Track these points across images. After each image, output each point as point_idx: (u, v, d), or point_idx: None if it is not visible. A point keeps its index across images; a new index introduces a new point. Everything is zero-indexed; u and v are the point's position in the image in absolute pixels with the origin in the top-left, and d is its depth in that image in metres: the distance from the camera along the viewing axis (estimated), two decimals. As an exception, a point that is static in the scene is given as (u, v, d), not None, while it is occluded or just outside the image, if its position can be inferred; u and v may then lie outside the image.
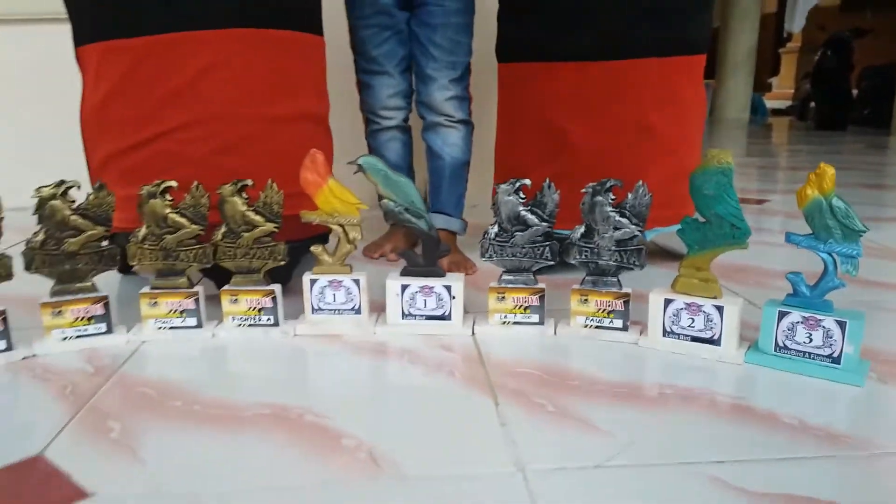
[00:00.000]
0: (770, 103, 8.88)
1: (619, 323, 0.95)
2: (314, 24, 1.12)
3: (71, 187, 0.87)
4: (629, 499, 0.60)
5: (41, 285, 0.90)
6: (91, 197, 0.88)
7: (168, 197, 0.91)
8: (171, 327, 0.95)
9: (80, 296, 0.90)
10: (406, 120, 1.38)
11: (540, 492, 0.60)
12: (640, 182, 0.92)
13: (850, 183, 2.47)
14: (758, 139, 4.68)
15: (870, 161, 3.18)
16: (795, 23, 5.69)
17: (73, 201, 0.87)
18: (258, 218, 0.94)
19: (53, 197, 0.86)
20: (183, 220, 0.91)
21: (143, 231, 0.91)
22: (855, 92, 5.72)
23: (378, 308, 1.02)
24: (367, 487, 0.62)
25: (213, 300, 0.99)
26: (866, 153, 3.57)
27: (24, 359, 0.88)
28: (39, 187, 0.86)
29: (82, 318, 0.91)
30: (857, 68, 5.67)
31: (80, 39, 1.03)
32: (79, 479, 0.62)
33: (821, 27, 6.58)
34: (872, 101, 5.39)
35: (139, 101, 0.98)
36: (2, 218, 0.84)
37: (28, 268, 0.88)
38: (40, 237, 0.87)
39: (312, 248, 0.98)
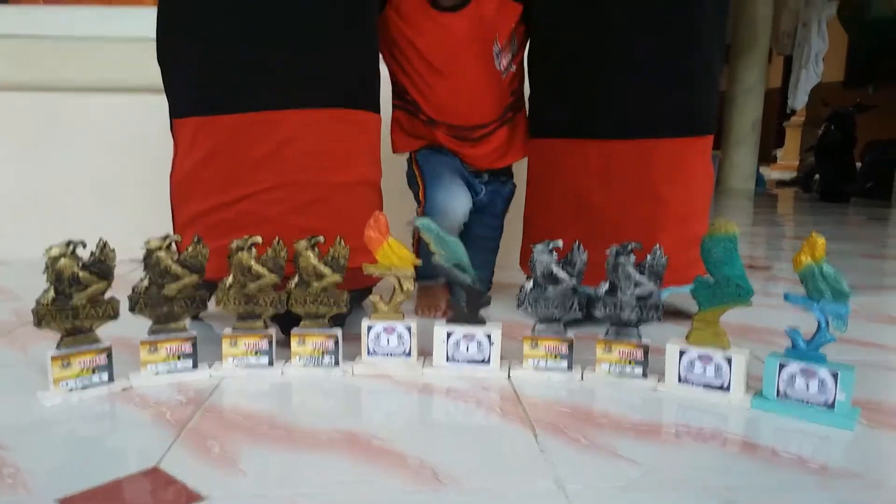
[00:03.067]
0: (775, 174, 9.13)
1: (639, 370, 1.08)
2: (373, 104, 1.30)
3: (174, 241, 1.02)
4: (654, 511, 0.72)
5: (127, 327, 1.05)
6: (189, 249, 1.04)
7: (253, 251, 1.06)
8: (247, 365, 1.08)
9: (173, 335, 1.04)
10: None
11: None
12: (658, 245, 1.07)
13: (852, 252, 2.60)
14: (764, 209, 4.84)
15: (872, 232, 3.33)
16: (798, 100, 5.96)
17: (175, 253, 1.03)
18: (327, 270, 1.09)
19: (159, 248, 1.01)
20: (264, 271, 1.06)
21: (229, 280, 1.06)
22: (858, 165, 5.91)
23: (424, 352, 1.16)
24: (434, 496, 0.74)
25: (279, 342, 1.13)
26: (868, 225, 3.72)
27: (123, 390, 1.02)
28: (148, 240, 1.01)
29: (173, 355, 1.04)
30: (860, 142, 5.89)
31: (177, 113, 1.21)
32: (193, 485, 0.75)
33: (824, 103, 6.82)
34: (875, 174, 5.57)
35: (228, 168, 1.15)
36: (114, 266, 1.00)
37: (132, 309, 1.02)
38: (145, 283, 1.02)
39: (371, 298, 1.13)
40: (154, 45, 1.23)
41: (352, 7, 1.20)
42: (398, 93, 1.50)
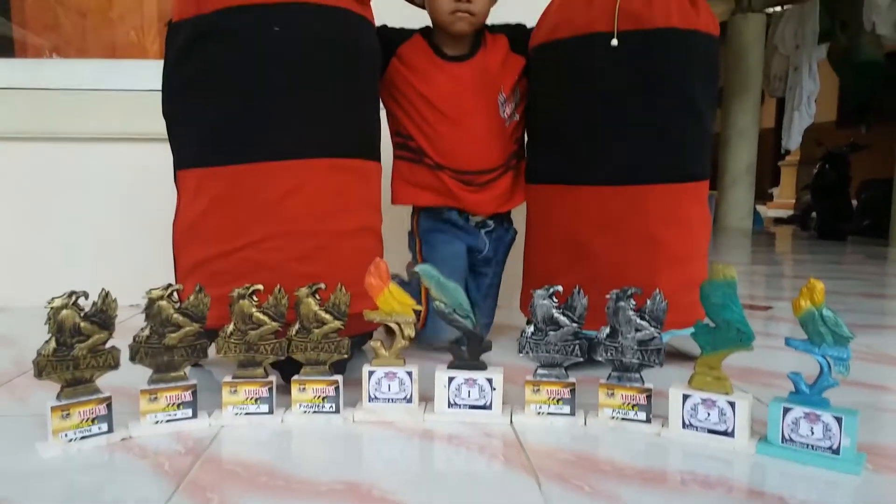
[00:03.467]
0: (773, 212, 9.20)
1: (642, 415, 1.07)
2: (374, 153, 1.33)
3: (176, 291, 1.03)
4: (661, 562, 0.71)
5: (126, 375, 1.04)
6: (191, 297, 1.04)
7: (255, 298, 1.06)
8: (247, 413, 1.08)
9: (173, 384, 1.04)
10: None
11: (584, 555, 0.71)
12: (657, 290, 1.08)
13: (851, 292, 2.60)
14: (762, 247, 4.86)
15: (870, 271, 3.34)
16: (792, 140, 6.05)
17: (177, 302, 1.03)
18: (328, 316, 1.09)
19: (161, 298, 1.02)
20: (265, 318, 1.07)
21: (230, 327, 1.06)
22: (854, 202, 5.96)
23: (426, 398, 1.15)
24: (437, 548, 0.73)
25: (279, 389, 1.12)
26: (866, 263, 3.73)
27: (122, 440, 1.01)
28: (150, 289, 1.02)
29: (173, 404, 1.04)
30: (855, 181, 5.96)
31: (182, 164, 1.23)
32: (193, 537, 0.74)
33: (818, 142, 6.92)
34: (871, 212, 5.62)
35: (230, 217, 1.16)
36: (115, 316, 1.00)
37: (132, 359, 1.02)
38: (146, 332, 1.02)
39: (371, 343, 1.13)
40: (159, 95, 1.26)
41: (353, 59, 1.23)
42: (401, 142, 1.54)
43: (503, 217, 1.63)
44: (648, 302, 1.07)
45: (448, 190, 1.51)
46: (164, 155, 1.30)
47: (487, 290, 1.63)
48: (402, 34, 1.51)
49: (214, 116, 1.16)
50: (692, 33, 1.27)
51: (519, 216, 1.62)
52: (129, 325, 1.61)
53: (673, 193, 1.33)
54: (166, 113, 1.24)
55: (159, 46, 2.37)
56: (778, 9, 6.64)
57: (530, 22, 1.52)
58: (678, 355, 1.47)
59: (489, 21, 1.55)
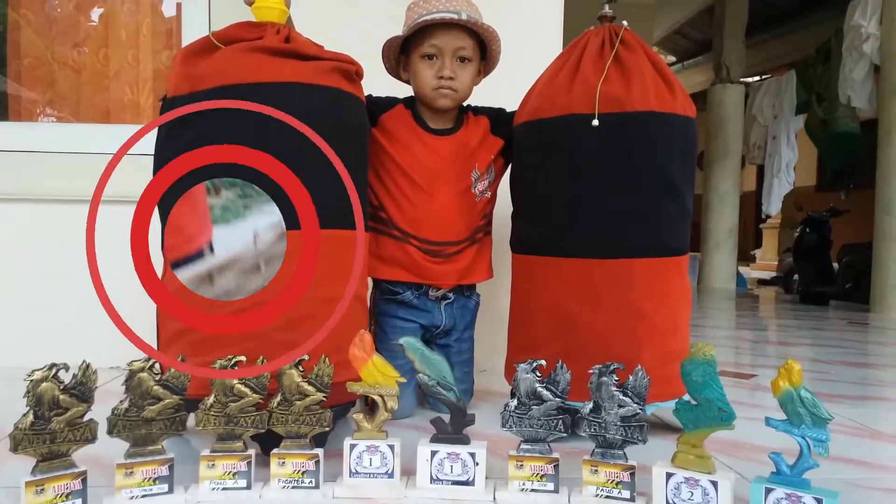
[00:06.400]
0: (756, 273, 9.32)
1: (626, 493, 1.06)
2: (363, 223, 1.34)
3: (156, 363, 1.02)
4: None
5: (102, 445, 1.02)
6: (172, 369, 1.03)
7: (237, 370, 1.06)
8: (224, 488, 1.05)
9: (150, 458, 1.02)
10: None
11: None
12: (639, 366, 1.08)
13: (834, 360, 2.61)
14: (746, 311, 4.90)
15: (852, 338, 3.37)
16: (772, 206, 6.20)
17: (158, 374, 1.03)
18: (310, 388, 1.08)
19: (142, 370, 1.01)
20: (247, 390, 1.06)
21: (210, 399, 1.06)
22: (836, 265, 6.06)
23: (408, 470, 1.13)
24: None
25: (258, 461, 1.10)
26: (848, 329, 3.76)
27: (95, 516, 0.98)
28: (132, 361, 1.01)
29: (149, 479, 1.02)
30: (835, 244, 6.07)
31: (170, 232, 1.24)
32: None
33: (798, 207, 7.08)
34: (853, 276, 5.70)
35: (216, 286, 1.17)
36: (95, 388, 0.99)
37: (110, 432, 1.01)
38: (125, 405, 1.01)
39: (354, 416, 1.12)
40: (148, 159, 1.28)
41: (342, 136, 1.26)
42: (370, 213, 1.55)
43: (463, 286, 1.63)
44: (631, 378, 1.08)
45: (412, 262, 1.53)
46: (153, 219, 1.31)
47: (458, 355, 1.63)
48: (386, 103, 1.56)
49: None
50: (670, 116, 1.33)
51: (503, 284, 1.63)
52: (109, 388, 1.59)
53: (655, 267, 1.36)
54: (157, 183, 1.26)
55: (153, 102, 2.41)
56: (757, 78, 6.91)
57: (511, 101, 1.59)
58: (663, 426, 1.46)
59: (475, 102, 1.61)
